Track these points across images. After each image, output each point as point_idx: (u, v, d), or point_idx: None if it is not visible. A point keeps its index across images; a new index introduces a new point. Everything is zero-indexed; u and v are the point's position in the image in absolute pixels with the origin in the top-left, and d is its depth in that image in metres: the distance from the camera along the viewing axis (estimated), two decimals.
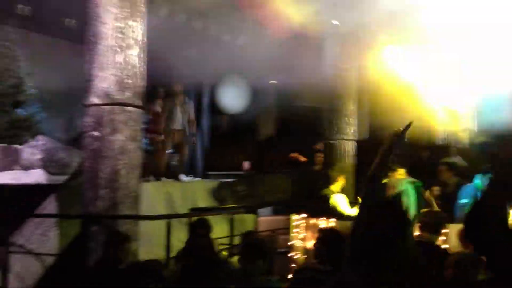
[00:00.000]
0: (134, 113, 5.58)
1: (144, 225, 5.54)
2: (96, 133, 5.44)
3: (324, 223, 5.92)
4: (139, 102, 5.62)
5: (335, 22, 9.10)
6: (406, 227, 2.78)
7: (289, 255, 5.65)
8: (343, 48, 9.42)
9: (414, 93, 9.85)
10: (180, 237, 5.31)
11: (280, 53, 9.29)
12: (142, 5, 5.65)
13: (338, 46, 9.43)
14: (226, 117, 10.84)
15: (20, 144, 7.48)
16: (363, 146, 9.59)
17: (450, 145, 10.81)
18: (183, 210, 6.84)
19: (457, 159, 9.49)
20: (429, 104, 9.83)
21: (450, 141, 11.43)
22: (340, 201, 6.60)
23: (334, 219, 5.97)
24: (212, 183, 8.26)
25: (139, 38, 5.56)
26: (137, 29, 5.54)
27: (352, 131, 9.49)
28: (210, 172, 9.38)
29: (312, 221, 5.95)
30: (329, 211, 6.26)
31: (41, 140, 7.69)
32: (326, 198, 6.52)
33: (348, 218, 6.29)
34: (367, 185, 3.00)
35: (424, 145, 10.12)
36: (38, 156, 7.53)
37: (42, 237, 5.79)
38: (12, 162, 7.22)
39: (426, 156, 9.89)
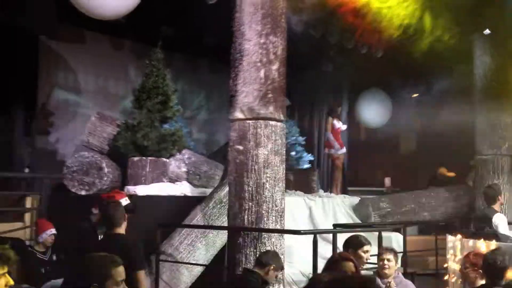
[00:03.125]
0: (277, 127, 5.69)
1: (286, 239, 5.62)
2: (240, 147, 5.63)
3: (483, 245, 5.49)
4: (281, 116, 5.74)
5: (487, 31, 8.64)
6: None
7: (444, 278, 5.33)
8: (494, 58, 8.88)
9: None
10: (320, 253, 5.29)
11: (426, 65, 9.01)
12: (283, 20, 5.78)
13: (489, 56, 8.91)
14: (367, 131, 10.69)
15: (167, 157, 8.02)
16: None
17: None
18: (324, 225, 6.82)
19: None
20: None
21: None
22: (503, 222, 6.10)
23: (495, 241, 5.52)
24: (352, 199, 8.14)
25: (279, 52, 5.69)
26: (278, 44, 5.67)
27: (506, 145, 8.84)
28: (350, 188, 9.26)
29: (470, 242, 5.56)
30: (489, 232, 5.80)
31: (186, 154, 8.21)
32: (487, 218, 6.05)
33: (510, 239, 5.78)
34: None
35: None
36: (184, 169, 8.04)
37: (190, 247, 6.14)
38: (161, 175, 7.78)
39: None
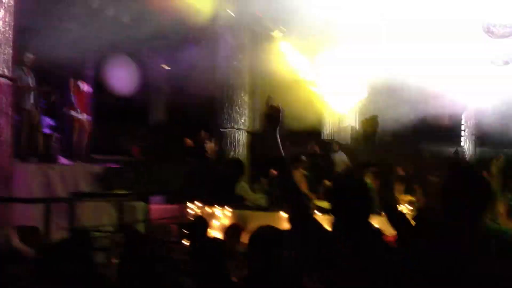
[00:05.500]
0: (3, 84, 5.34)
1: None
2: None
3: (219, 212, 6.15)
4: (7, 72, 5.40)
5: (231, 13, 9.46)
6: None
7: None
8: (236, 39, 9.86)
9: (306, 88, 10.64)
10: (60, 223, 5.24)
11: (174, 38, 9.47)
12: None
13: (232, 36, 9.84)
14: (115, 98, 10.65)
15: None
16: (256, 138, 10.16)
17: (333, 141, 11.83)
18: (63, 195, 6.66)
19: (340, 155, 10.52)
20: (319, 99, 10.73)
21: (334, 137, 12.55)
22: (247, 190, 6.93)
23: (230, 209, 6.22)
24: (97, 168, 8.11)
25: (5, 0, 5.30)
26: None
27: (243, 120, 10.03)
28: (95, 156, 9.15)
29: (208, 209, 6.15)
30: (233, 200, 6.49)
31: None
32: (231, 187, 6.73)
33: (247, 207, 6.57)
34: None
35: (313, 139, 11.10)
36: None
37: None
38: None
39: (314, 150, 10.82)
